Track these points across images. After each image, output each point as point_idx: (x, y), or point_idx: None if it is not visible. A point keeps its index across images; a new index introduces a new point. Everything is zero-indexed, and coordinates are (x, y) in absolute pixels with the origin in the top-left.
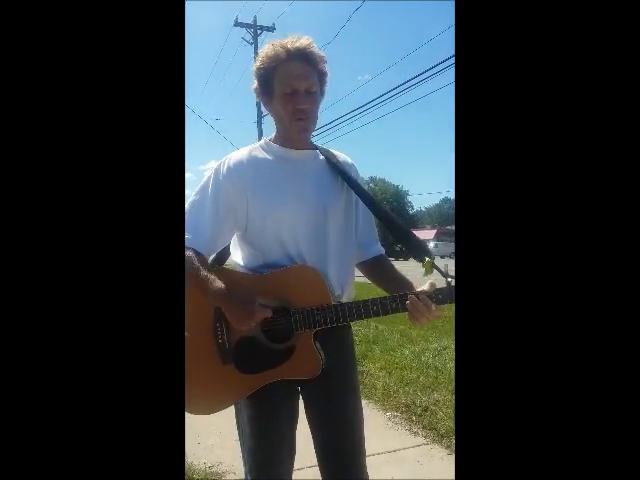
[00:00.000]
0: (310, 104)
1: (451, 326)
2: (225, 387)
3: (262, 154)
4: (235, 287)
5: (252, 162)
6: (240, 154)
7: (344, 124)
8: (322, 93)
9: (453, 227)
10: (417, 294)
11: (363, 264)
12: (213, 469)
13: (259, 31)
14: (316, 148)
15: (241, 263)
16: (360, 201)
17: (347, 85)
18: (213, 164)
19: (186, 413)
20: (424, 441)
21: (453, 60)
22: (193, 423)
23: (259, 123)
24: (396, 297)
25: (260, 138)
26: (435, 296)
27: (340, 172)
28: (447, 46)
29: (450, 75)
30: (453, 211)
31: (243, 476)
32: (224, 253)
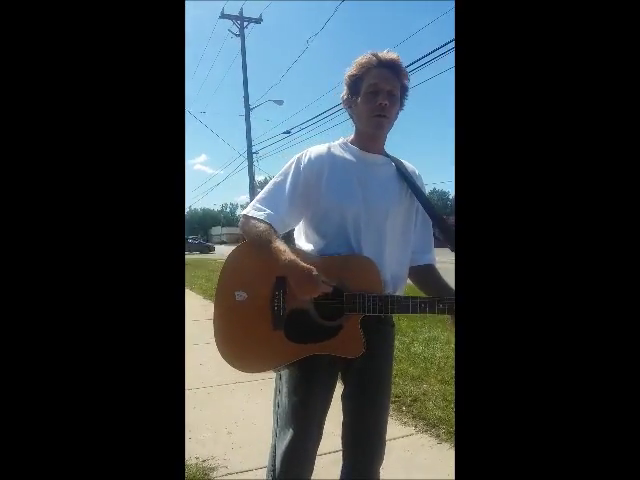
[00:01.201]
0: (390, 103)
1: (440, 317)
2: (271, 350)
3: (340, 152)
4: (303, 261)
5: (330, 157)
6: (320, 149)
7: (335, 115)
8: (401, 105)
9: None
10: None
11: (413, 269)
12: (205, 463)
13: (246, 23)
14: (388, 156)
15: (304, 247)
16: (420, 209)
17: (336, 78)
18: (204, 158)
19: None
20: (414, 431)
21: (440, 52)
22: (185, 418)
23: (247, 117)
24: (444, 299)
25: (248, 132)
26: None
27: (406, 180)
28: (435, 37)
29: (436, 67)
30: (442, 203)
31: (234, 470)
32: (287, 237)
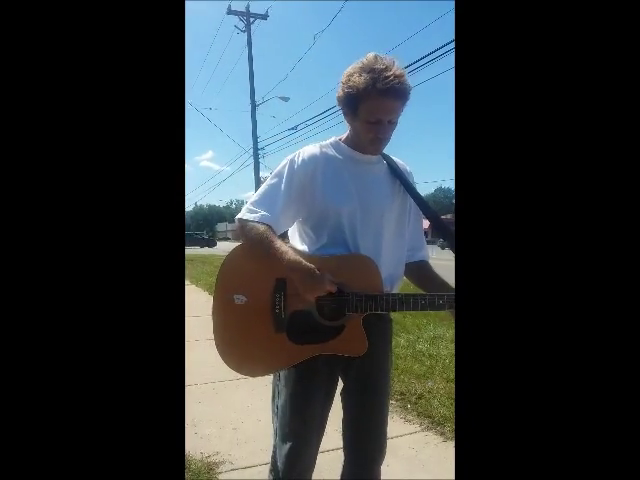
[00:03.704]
0: (389, 132)
1: (445, 315)
2: (274, 353)
3: (332, 152)
4: (304, 262)
5: (324, 158)
6: (313, 149)
7: (339, 113)
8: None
9: (447, 216)
10: None
11: (407, 266)
12: (210, 459)
13: (252, 19)
14: (379, 154)
15: (299, 248)
16: (412, 207)
17: (341, 74)
18: (210, 154)
19: (186, 405)
20: (419, 428)
21: (445, 49)
22: (190, 414)
23: (253, 113)
24: (443, 295)
25: (254, 128)
26: None
27: (399, 177)
28: (441, 35)
29: (443, 64)
30: (447, 200)
31: (239, 466)
32: (283, 238)
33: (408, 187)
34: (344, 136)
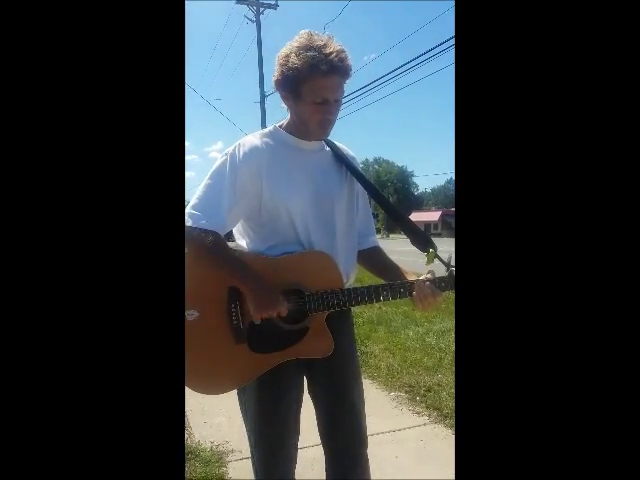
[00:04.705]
0: (336, 113)
1: (452, 308)
2: (238, 366)
3: (274, 141)
4: (259, 274)
5: (266, 149)
6: (254, 140)
7: (350, 103)
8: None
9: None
10: (424, 281)
11: (360, 253)
12: (220, 448)
13: (261, 8)
14: (327, 137)
15: (247, 247)
16: (360, 192)
17: (353, 65)
18: (220, 145)
19: (195, 393)
20: (427, 421)
21: None
22: (200, 403)
23: (262, 104)
24: (405, 283)
25: (263, 118)
26: (438, 284)
27: (345, 163)
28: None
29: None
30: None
31: (249, 455)
32: (227, 236)
33: (354, 172)
34: (284, 123)
